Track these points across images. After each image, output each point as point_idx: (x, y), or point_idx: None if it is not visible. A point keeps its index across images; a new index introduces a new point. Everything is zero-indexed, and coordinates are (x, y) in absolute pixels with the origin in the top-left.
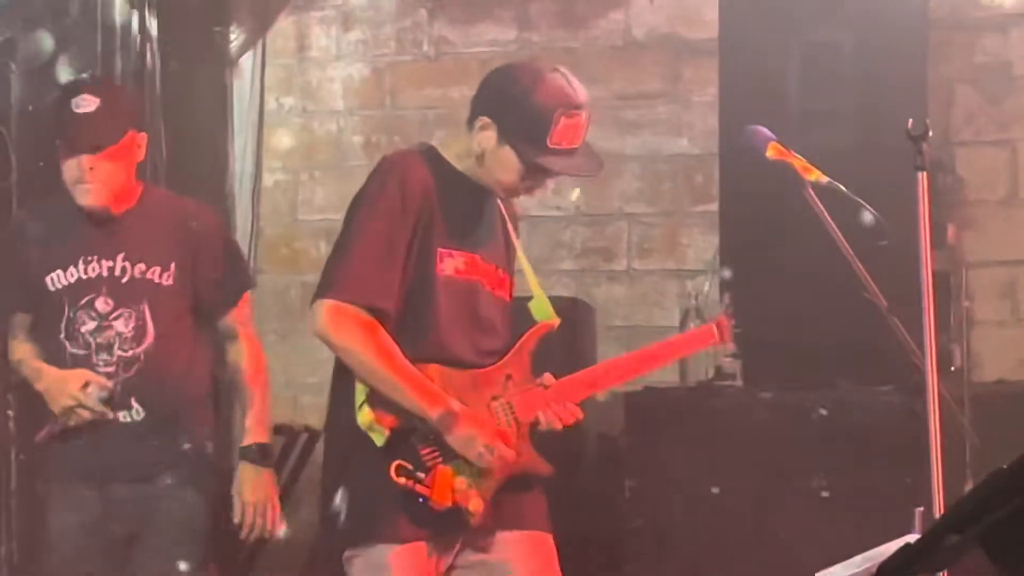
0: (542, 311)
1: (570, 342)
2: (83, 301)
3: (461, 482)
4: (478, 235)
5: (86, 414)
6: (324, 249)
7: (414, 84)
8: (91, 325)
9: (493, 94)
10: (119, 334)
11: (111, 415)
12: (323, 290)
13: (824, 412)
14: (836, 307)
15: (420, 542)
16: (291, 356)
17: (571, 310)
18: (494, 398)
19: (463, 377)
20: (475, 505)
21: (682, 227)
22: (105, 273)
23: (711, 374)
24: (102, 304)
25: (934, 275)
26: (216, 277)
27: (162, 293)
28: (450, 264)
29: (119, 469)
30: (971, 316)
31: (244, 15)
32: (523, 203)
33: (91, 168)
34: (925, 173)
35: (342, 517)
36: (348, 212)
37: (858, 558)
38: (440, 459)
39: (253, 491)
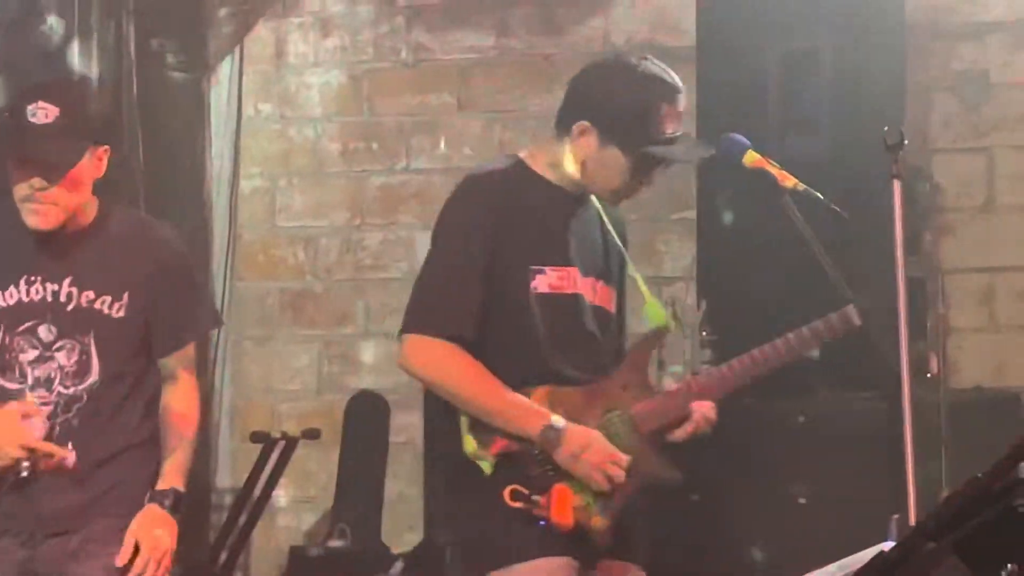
0: (656, 316)
1: None
2: (23, 327)
3: (580, 500)
4: (574, 247)
5: (44, 463)
6: (302, 256)
7: (392, 91)
8: (31, 355)
9: (588, 96)
10: (61, 367)
11: (70, 456)
12: (404, 325)
13: (802, 419)
14: (814, 314)
15: (558, 558)
16: (269, 363)
17: None
18: (609, 411)
19: (574, 395)
20: (598, 523)
21: (660, 234)
22: (49, 297)
23: None
24: (45, 332)
25: (911, 282)
26: (171, 315)
27: (111, 326)
28: (543, 281)
29: (50, 520)
30: (948, 323)
31: (222, 21)
32: None
33: (43, 189)
34: (900, 181)
35: (470, 543)
36: (432, 235)
37: (833, 566)
38: (555, 478)
39: (155, 539)
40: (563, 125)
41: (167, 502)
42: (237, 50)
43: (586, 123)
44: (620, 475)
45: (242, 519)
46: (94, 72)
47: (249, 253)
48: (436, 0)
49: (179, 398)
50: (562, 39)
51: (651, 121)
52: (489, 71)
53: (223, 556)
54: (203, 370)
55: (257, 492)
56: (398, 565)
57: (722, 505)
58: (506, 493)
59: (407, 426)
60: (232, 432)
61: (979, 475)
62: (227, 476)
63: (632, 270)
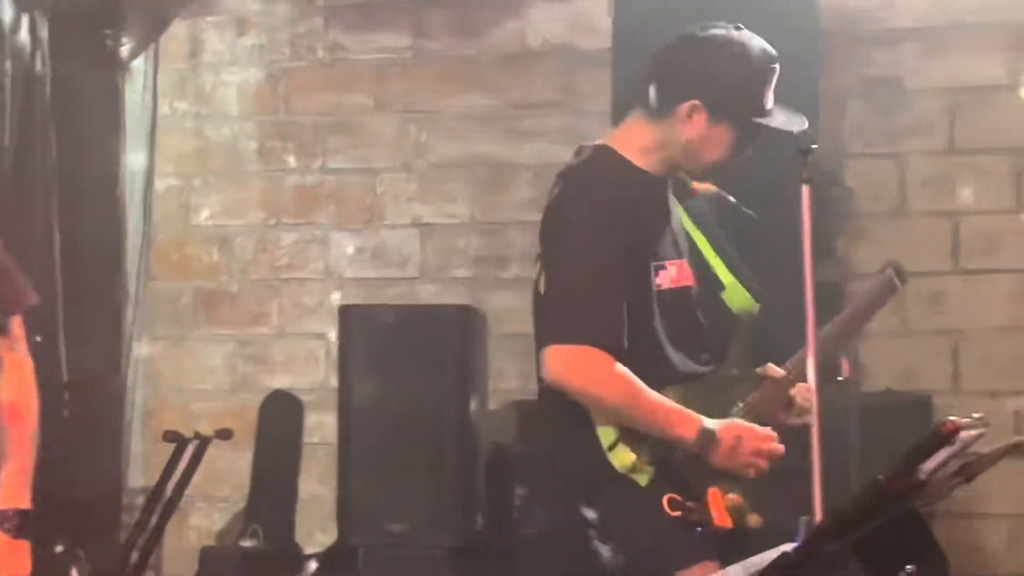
0: (740, 299)
1: (462, 350)
2: None
3: (733, 499)
4: (679, 236)
5: None
6: (217, 255)
7: (309, 90)
8: None
9: (697, 73)
10: None
11: None
12: (553, 335)
13: None
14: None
15: (713, 562)
16: (182, 363)
17: (463, 318)
18: (732, 403)
19: (699, 391)
20: (754, 520)
21: None
22: None
23: None
24: None
25: (825, 286)
26: None
27: None
28: (666, 277)
29: None
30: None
31: (137, 19)
32: (416, 211)
33: None
34: (809, 186)
35: (639, 556)
36: (550, 241)
37: (737, 567)
38: (708, 481)
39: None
40: (666, 105)
41: (6, 525)
42: (152, 48)
43: (697, 102)
44: (780, 448)
45: (153, 519)
46: (7, 70)
47: (163, 252)
48: (354, 0)
49: (7, 386)
50: (479, 41)
51: (759, 92)
52: (406, 72)
53: (134, 556)
54: (115, 369)
55: (169, 492)
56: (311, 565)
57: None
58: (665, 503)
59: (320, 426)
60: (144, 432)
61: (879, 478)
62: (139, 476)
63: (709, 252)
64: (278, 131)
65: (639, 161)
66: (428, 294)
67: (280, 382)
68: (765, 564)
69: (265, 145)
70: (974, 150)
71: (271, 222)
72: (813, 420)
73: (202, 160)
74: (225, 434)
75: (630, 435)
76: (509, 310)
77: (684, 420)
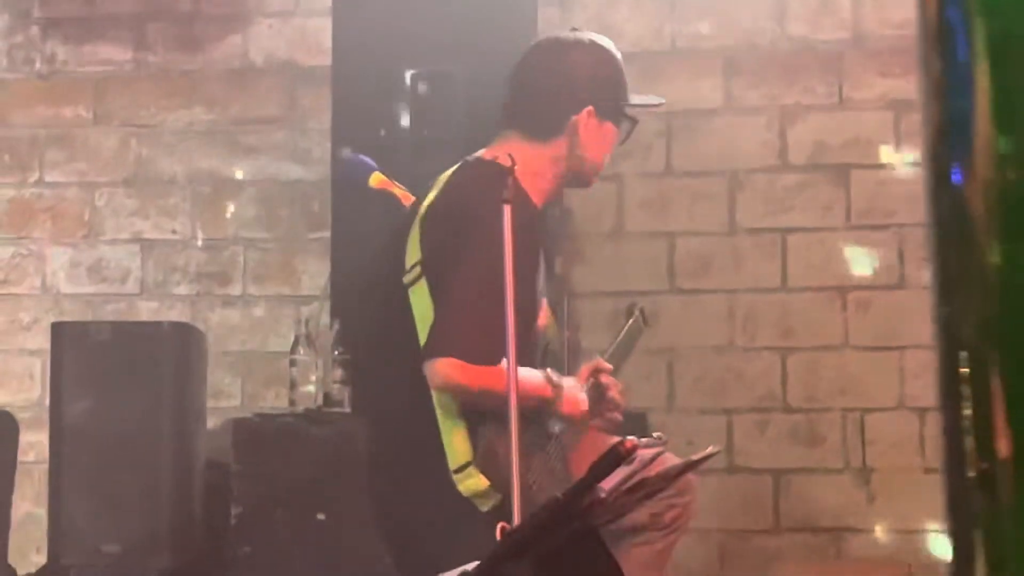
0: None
1: (179, 368)
2: None
3: None
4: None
5: None
6: None
7: (25, 102)
8: None
9: (584, 79)
10: None
11: None
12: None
13: None
14: None
15: None
16: None
17: (181, 335)
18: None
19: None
20: None
21: (298, 253)
22: None
23: (320, 401)
24: None
25: None
26: None
27: None
28: (542, 314)
29: None
30: (576, 345)
31: None
32: (136, 226)
33: None
34: (509, 206)
35: None
36: (447, 271)
37: None
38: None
39: None
40: (558, 120)
41: None
42: None
43: (591, 107)
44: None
45: None
46: None
47: None
48: (72, 12)
49: None
50: (201, 56)
51: (625, 81)
52: (126, 85)
53: None
54: None
55: None
56: None
57: (349, 524)
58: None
59: (36, 445)
60: None
61: (557, 496)
62: None
63: None
64: None
65: (527, 184)
66: (149, 311)
67: None
68: None
69: None
70: (690, 172)
71: None
72: (512, 432)
73: None
74: None
75: (487, 461)
76: (230, 327)
77: (540, 380)
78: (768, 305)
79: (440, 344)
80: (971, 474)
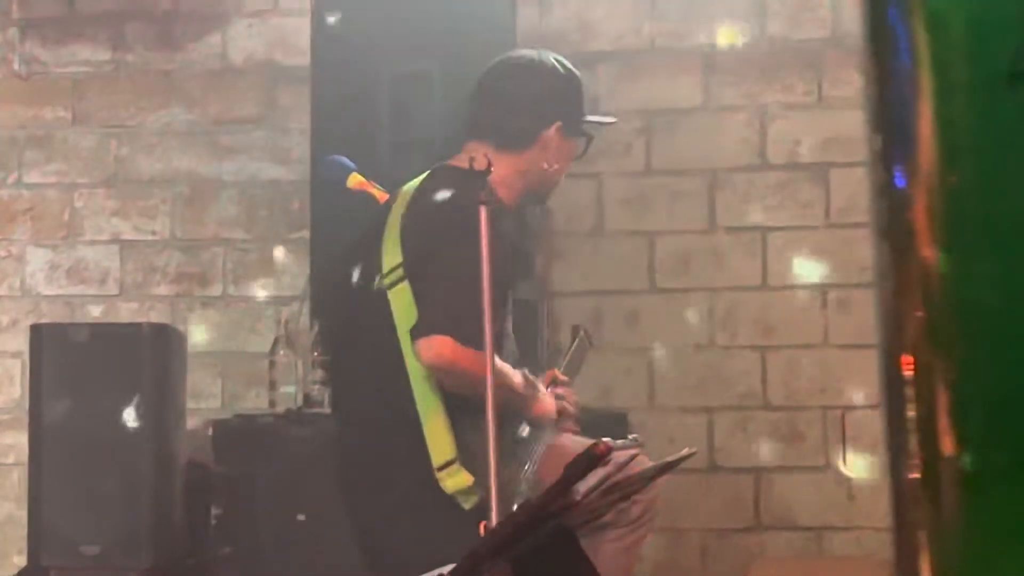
0: None
1: (158, 369)
2: None
3: None
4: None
5: None
6: None
7: (4, 103)
8: None
9: (557, 96)
10: None
11: None
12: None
13: None
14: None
15: None
16: None
17: (160, 336)
18: None
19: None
20: None
21: (278, 253)
22: None
23: (300, 401)
24: None
25: (524, 304)
26: None
27: None
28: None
29: None
30: (556, 344)
31: None
32: (115, 227)
33: None
34: (485, 206)
35: None
36: (429, 269)
37: None
38: None
39: None
40: (529, 134)
41: None
42: None
43: (560, 123)
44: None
45: None
46: None
47: None
48: (51, 12)
49: None
50: (180, 56)
51: (583, 102)
52: (105, 85)
53: None
54: None
55: None
56: None
57: (330, 525)
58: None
59: (16, 447)
60: None
61: (531, 498)
62: None
63: None
64: None
65: (503, 193)
66: (128, 312)
67: None
68: None
69: None
70: (669, 171)
71: None
72: (490, 433)
73: None
74: None
75: (470, 457)
76: (211, 328)
77: (519, 377)
78: (748, 303)
79: (432, 322)
80: (914, 475)
